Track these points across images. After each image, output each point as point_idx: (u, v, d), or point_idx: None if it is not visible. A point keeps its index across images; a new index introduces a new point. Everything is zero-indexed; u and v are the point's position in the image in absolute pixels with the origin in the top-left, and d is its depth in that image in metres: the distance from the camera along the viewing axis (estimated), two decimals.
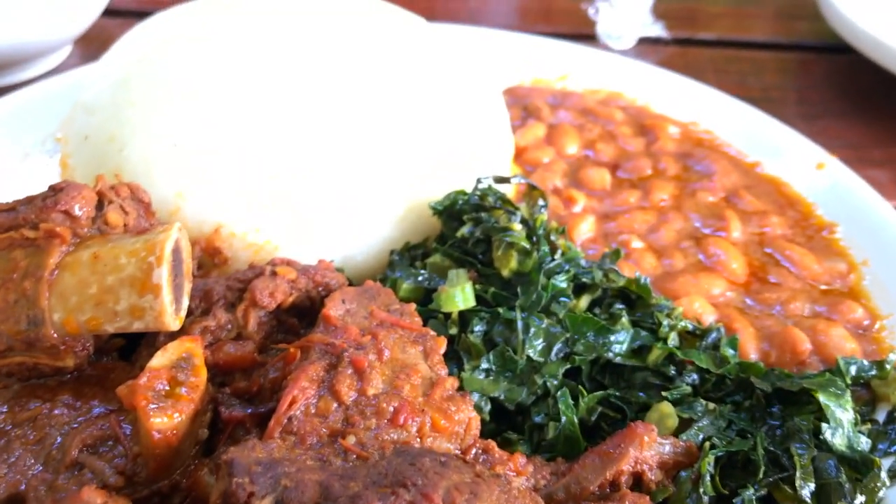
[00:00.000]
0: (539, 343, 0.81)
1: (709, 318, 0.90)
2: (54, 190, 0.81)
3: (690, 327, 0.84)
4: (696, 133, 1.19)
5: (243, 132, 0.94)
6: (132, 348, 0.83)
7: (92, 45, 1.43)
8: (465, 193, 0.94)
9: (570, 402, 0.77)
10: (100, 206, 0.83)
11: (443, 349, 0.79)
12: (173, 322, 0.74)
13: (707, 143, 1.17)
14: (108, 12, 1.42)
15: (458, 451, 0.72)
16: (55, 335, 0.75)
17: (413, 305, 0.84)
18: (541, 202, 0.95)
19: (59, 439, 0.71)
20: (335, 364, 0.72)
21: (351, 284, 0.88)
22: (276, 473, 0.61)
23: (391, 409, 0.69)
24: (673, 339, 0.83)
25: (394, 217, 0.95)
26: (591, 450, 0.73)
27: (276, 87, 0.97)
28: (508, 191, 1.01)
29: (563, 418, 0.77)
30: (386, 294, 0.84)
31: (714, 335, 0.84)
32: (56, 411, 0.73)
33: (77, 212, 0.79)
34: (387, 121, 0.98)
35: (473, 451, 0.71)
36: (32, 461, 0.69)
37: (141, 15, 1.59)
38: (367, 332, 0.76)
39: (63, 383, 0.76)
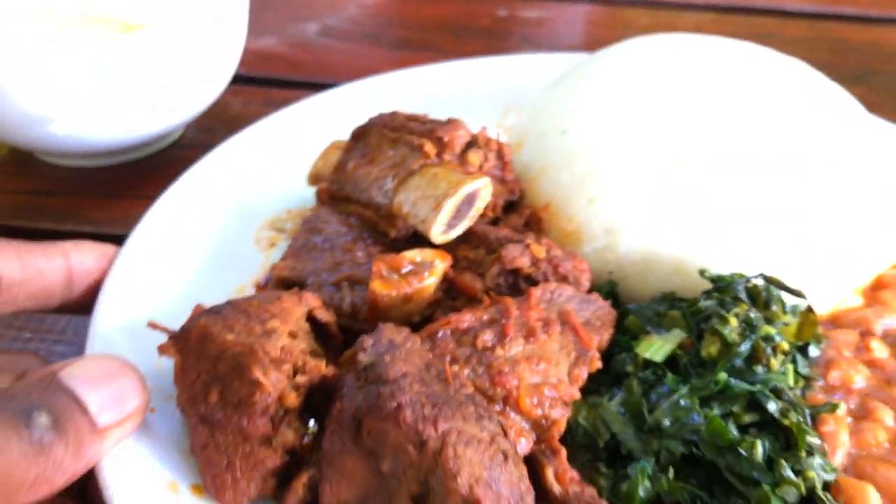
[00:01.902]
0: (670, 420, 0.88)
1: None
2: (447, 122, 1.13)
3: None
4: None
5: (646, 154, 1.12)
6: None
7: (209, 117, 1.49)
8: (741, 276, 0.99)
9: (648, 472, 0.85)
10: (470, 145, 1.13)
11: (593, 369, 0.92)
12: (437, 237, 1.02)
13: None
14: None
15: (533, 437, 0.87)
16: (389, 208, 1.08)
17: (611, 330, 0.97)
18: (790, 317, 0.96)
19: (343, 267, 1.06)
20: (497, 320, 0.92)
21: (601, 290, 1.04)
22: (389, 350, 0.86)
23: (498, 371, 0.87)
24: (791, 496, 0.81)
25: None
26: None
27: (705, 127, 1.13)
28: (798, 302, 1.01)
29: (633, 480, 0.85)
30: (599, 308, 0.98)
31: None
32: (358, 253, 1.08)
33: (446, 140, 1.10)
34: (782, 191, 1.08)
35: (534, 437, 0.86)
36: (321, 266, 1.06)
37: (264, 82, 1.65)
38: (545, 320, 0.93)
39: (373, 246, 1.09)
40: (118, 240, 1.14)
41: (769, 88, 1.19)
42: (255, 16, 1.46)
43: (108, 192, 1.35)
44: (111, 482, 0.82)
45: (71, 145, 1.32)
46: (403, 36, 1.91)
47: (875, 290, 1.10)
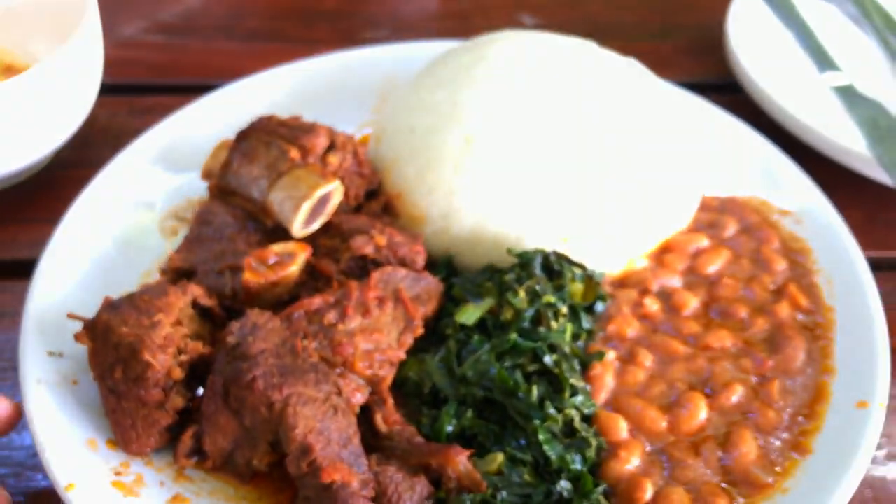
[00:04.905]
0: (473, 371, 1.15)
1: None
2: (310, 128, 1.35)
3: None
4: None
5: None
6: None
7: (79, 134, 1.54)
8: (539, 251, 1.25)
9: (451, 413, 1.13)
10: (330, 148, 1.36)
11: (417, 335, 1.19)
12: (298, 231, 1.26)
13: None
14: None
15: (368, 390, 1.14)
16: (264, 204, 1.32)
17: (437, 301, 1.24)
18: (578, 283, 1.23)
19: (226, 256, 1.30)
20: (341, 302, 1.17)
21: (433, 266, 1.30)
22: (252, 331, 1.11)
23: (338, 343, 1.13)
24: (555, 428, 1.10)
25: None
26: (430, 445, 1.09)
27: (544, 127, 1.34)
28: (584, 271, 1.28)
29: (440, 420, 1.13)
30: (428, 284, 1.24)
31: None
32: (240, 244, 1.32)
33: (308, 146, 1.32)
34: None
35: (368, 390, 1.13)
36: (208, 257, 1.29)
37: (127, 89, 1.74)
38: (381, 298, 1.19)
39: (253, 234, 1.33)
40: (13, 265, 1.37)
41: (591, 87, 1.40)
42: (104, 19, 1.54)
43: None
44: (42, 441, 1.08)
45: None
46: (253, 27, 2.02)
47: (662, 254, 1.36)
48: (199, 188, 1.47)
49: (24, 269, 1.34)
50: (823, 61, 1.70)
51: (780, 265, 1.33)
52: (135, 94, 1.82)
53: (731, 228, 1.39)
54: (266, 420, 1.05)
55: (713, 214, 1.42)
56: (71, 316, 1.17)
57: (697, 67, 1.93)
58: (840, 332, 1.24)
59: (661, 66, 1.64)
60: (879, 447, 1.21)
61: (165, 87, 1.85)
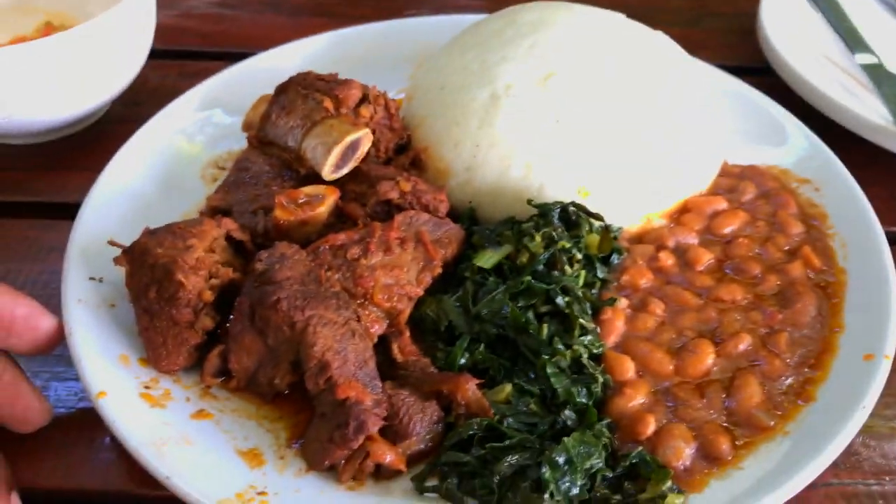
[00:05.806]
0: (487, 310, 1.20)
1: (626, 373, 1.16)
2: (344, 82, 1.42)
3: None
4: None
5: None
6: None
7: (131, 92, 1.67)
8: (558, 203, 1.29)
9: (464, 346, 1.17)
10: (362, 101, 1.42)
11: (435, 274, 1.24)
12: (328, 175, 1.32)
13: None
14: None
15: (386, 322, 1.20)
16: (299, 152, 1.38)
17: (457, 246, 1.29)
18: (595, 234, 1.26)
19: (261, 198, 1.36)
20: (365, 239, 1.23)
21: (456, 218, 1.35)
22: (279, 260, 1.17)
23: (360, 275, 1.19)
24: (562, 363, 1.14)
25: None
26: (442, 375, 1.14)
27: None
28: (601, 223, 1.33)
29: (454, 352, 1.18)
30: (449, 229, 1.29)
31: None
32: (274, 187, 1.38)
33: (341, 97, 1.39)
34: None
35: (386, 322, 1.19)
36: (244, 198, 1.36)
37: (178, 55, 1.86)
38: (402, 238, 1.24)
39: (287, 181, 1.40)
40: (63, 207, 1.44)
41: (617, 52, 1.45)
42: None
43: (49, 166, 1.61)
44: (78, 353, 1.15)
45: (10, 128, 1.56)
46: (300, 3, 2.13)
47: (680, 214, 1.39)
48: (239, 140, 1.54)
49: (72, 211, 1.42)
50: (856, 43, 1.72)
51: (796, 228, 1.35)
52: (185, 59, 1.92)
53: (749, 193, 1.42)
54: (288, 339, 1.10)
55: (733, 180, 1.45)
56: (111, 243, 1.24)
57: (731, 52, 1.96)
58: (851, 293, 1.26)
59: (696, 49, 1.67)
60: (888, 406, 1.22)
61: (213, 55, 1.93)
